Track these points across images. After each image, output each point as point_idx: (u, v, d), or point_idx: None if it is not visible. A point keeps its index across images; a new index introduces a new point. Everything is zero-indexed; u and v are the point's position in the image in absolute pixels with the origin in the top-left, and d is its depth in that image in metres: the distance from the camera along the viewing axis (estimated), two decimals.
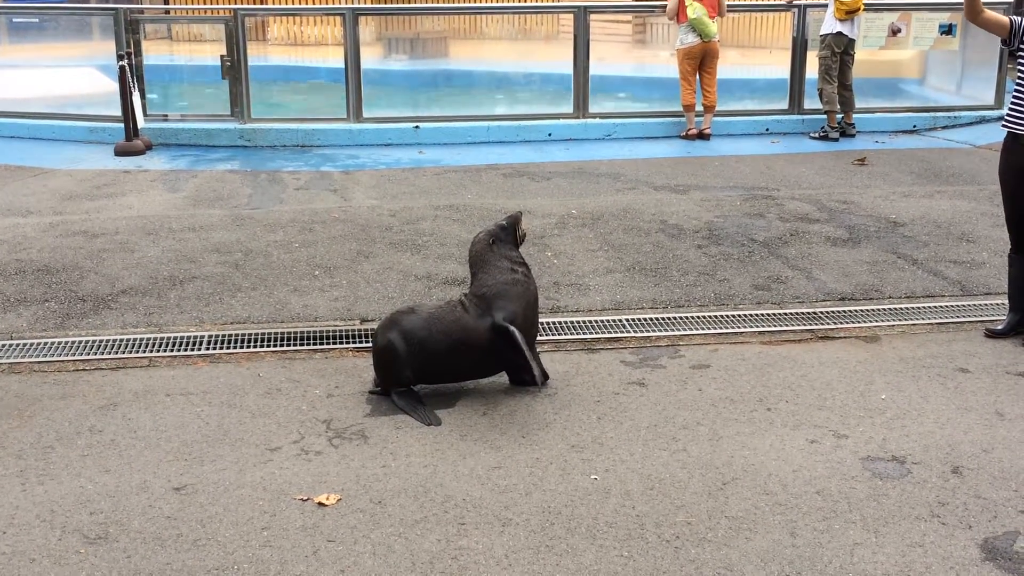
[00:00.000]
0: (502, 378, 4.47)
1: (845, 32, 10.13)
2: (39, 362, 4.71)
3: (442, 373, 4.35)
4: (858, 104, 10.57)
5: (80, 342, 4.95)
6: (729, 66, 10.42)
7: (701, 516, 3.39)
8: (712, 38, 10.02)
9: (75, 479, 3.64)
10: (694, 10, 9.88)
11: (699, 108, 10.35)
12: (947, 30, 11.10)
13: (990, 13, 4.97)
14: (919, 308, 5.46)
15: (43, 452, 3.84)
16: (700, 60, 10.13)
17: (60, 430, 4.02)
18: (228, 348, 4.88)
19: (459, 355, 4.27)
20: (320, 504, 3.47)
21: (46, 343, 4.94)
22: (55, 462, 3.76)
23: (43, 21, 12.43)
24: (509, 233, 4.48)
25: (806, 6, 10.75)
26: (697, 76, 10.26)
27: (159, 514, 3.41)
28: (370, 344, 4.70)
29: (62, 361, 4.72)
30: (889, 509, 3.44)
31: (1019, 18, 5.01)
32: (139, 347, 4.90)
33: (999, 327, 5.09)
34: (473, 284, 4.40)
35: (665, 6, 11.08)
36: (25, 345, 4.92)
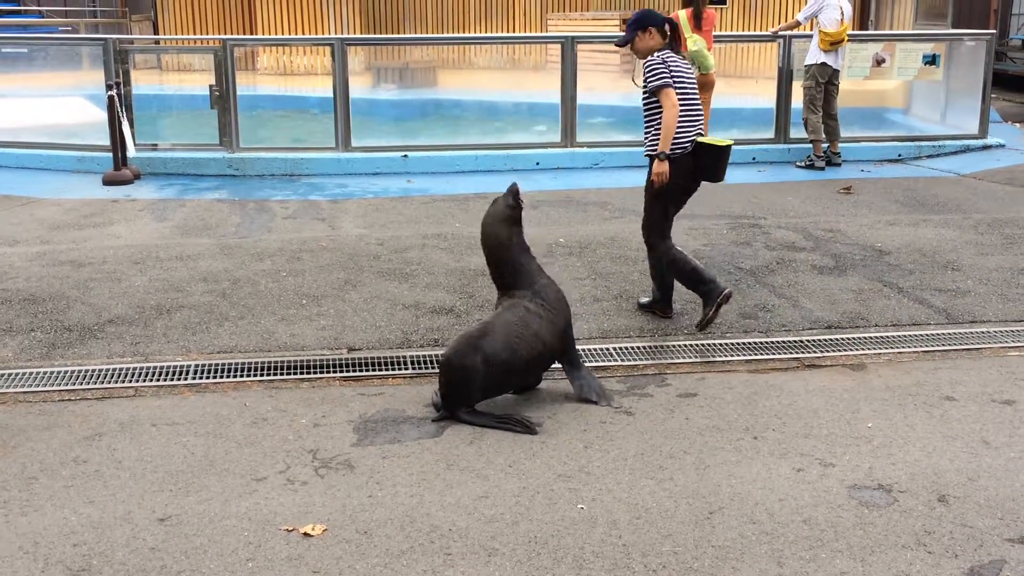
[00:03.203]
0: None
1: (829, 63, 10.23)
2: (24, 392, 4.69)
3: (513, 386, 4.57)
4: (843, 133, 10.65)
5: (66, 372, 4.93)
6: (715, 96, 10.48)
7: (688, 546, 3.39)
8: (710, 70, 10.09)
9: (59, 510, 3.61)
10: (694, 42, 9.93)
11: None
12: (931, 60, 11.22)
13: None
14: (905, 336, 5.48)
15: (27, 483, 3.81)
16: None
17: (44, 461, 3.99)
18: (214, 377, 4.86)
19: (536, 367, 4.52)
20: (306, 535, 3.45)
21: (31, 373, 4.92)
22: (39, 493, 3.74)
23: (32, 51, 12.47)
24: (518, 210, 4.68)
25: (791, 37, 10.85)
26: None
27: (143, 545, 3.38)
28: (357, 371, 4.70)
29: (47, 391, 4.70)
30: (875, 538, 3.44)
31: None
32: (125, 377, 4.88)
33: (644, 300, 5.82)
34: (524, 283, 4.55)
35: None
36: (10, 375, 4.89)
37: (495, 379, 4.35)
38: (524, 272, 4.60)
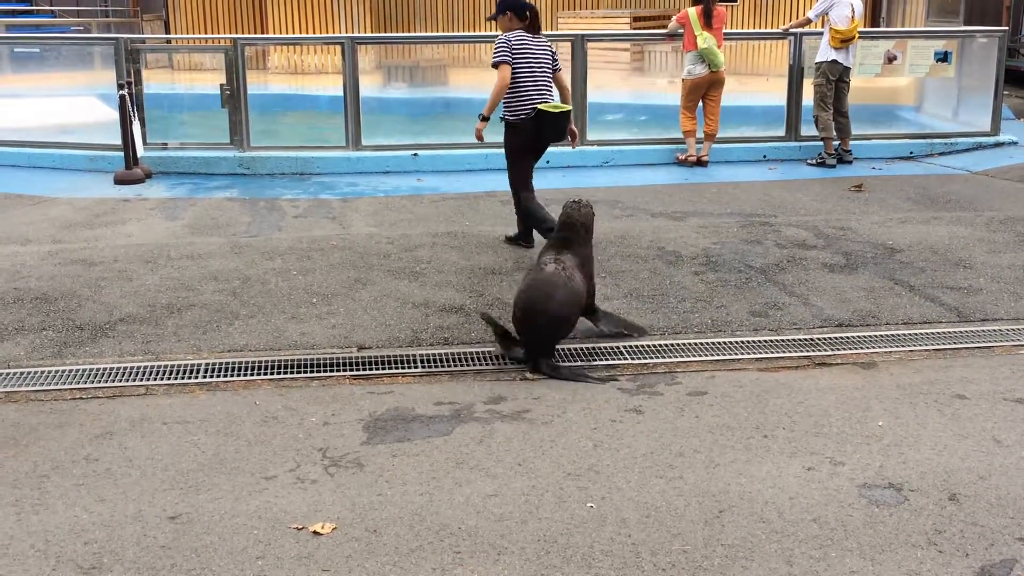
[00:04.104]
0: (500, 404, 4.48)
1: (840, 60, 10.19)
2: (36, 391, 4.71)
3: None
4: (855, 131, 10.61)
5: (77, 370, 4.95)
6: (726, 93, 10.46)
7: (697, 544, 3.38)
8: (721, 68, 10.07)
9: (70, 508, 3.63)
10: (704, 39, 9.91)
11: (699, 135, 10.39)
12: (943, 57, 11.17)
13: None
14: (916, 334, 5.46)
15: (38, 481, 3.83)
16: (705, 89, 10.18)
17: (56, 459, 4.01)
18: (225, 376, 4.88)
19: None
20: (315, 533, 3.46)
21: (43, 371, 4.94)
22: (50, 491, 3.76)
23: (44, 51, 12.52)
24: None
25: (802, 34, 10.82)
26: (699, 104, 10.30)
27: (154, 543, 3.40)
28: (366, 370, 4.72)
29: (59, 390, 4.72)
30: (886, 537, 3.43)
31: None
32: (136, 375, 4.90)
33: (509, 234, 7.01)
34: (576, 248, 5.15)
35: (662, 32, 11.18)
36: (22, 374, 4.92)
37: (565, 328, 4.97)
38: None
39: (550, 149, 10.55)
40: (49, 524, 3.52)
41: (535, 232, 6.97)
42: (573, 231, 5.21)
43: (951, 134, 11.36)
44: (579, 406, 4.51)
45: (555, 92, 6.90)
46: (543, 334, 4.86)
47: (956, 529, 3.47)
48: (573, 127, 7.07)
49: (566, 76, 10.69)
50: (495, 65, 6.65)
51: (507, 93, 6.68)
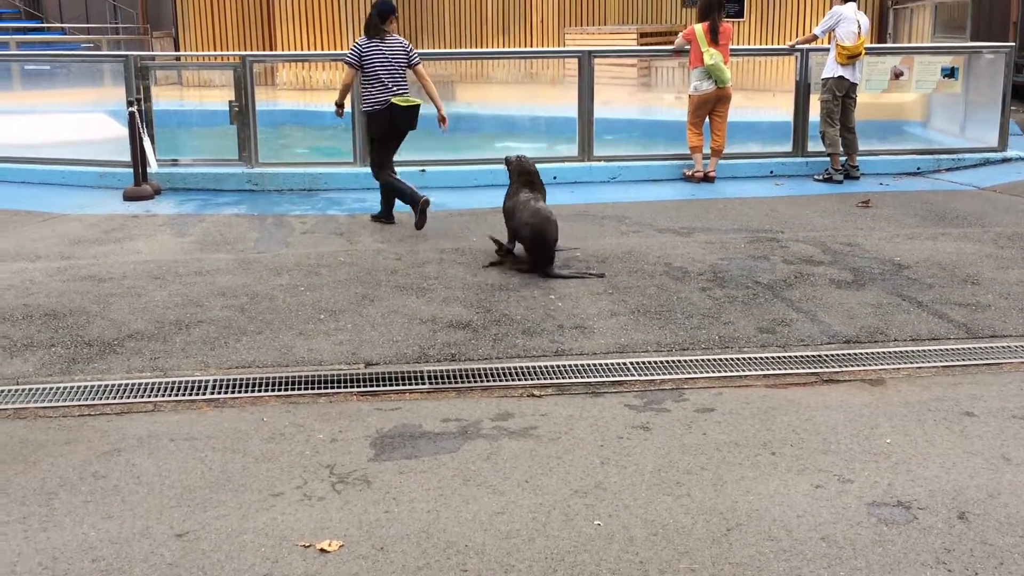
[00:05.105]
0: (507, 421, 4.48)
1: (846, 76, 10.20)
2: (44, 407, 4.72)
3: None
4: (862, 147, 10.60)
5: (85, 387, 4.96)
6: (733, 109, 10.47)
7: (705, 563, 3.37)
8: (727, 84, 10.08)
9: (78, 526, 3.63)
10: (711, 56, 9.92)
11: (706, 151, 10.40)
12: (950, 73, 11.18)
13: None
14: (924, 351, 5.45)
15: (46, 498, 3.84)
16: (712, 105, 10.19)
17: (64, 476, 4.02)
18: (233, 393, 4.89)
19: None
20: (322, 550, 3.45)
21: (52, 388, 4.95)
22: (58, 508, 3.76)
23: (55, 68, 12.61)
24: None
25: (808, 50, 10.83)
26: (706, 119, 10.32)
27: (161, 561, 3.40)
28: (374, 386, 4.72)
29: (67, 406, 4.73)
30: (895, 555, 3.41)
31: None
32: (144, 392, 4.91)
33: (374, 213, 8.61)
34: (539, 187, 7.30)
35: (669, 48, 11.20)
36: (31, 390, 4.93)
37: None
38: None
39: (557, 165, 10.73)
40: (57, 541, 3.53)
41: (408, 208, 8.21)
42: (530, 175, 7.24)
43: (958, 150, 11.34)
44: (586, 423, 4.50)
45: (417, 86, 8.37)
46: (551, 250, 6.78)
47: (965, 548, 3.45)
48: (443, 112, 8.33)
49: (572, 93, 10.85)
50: (345, 64, 8.23)
51: (364, 88, 8.15)
